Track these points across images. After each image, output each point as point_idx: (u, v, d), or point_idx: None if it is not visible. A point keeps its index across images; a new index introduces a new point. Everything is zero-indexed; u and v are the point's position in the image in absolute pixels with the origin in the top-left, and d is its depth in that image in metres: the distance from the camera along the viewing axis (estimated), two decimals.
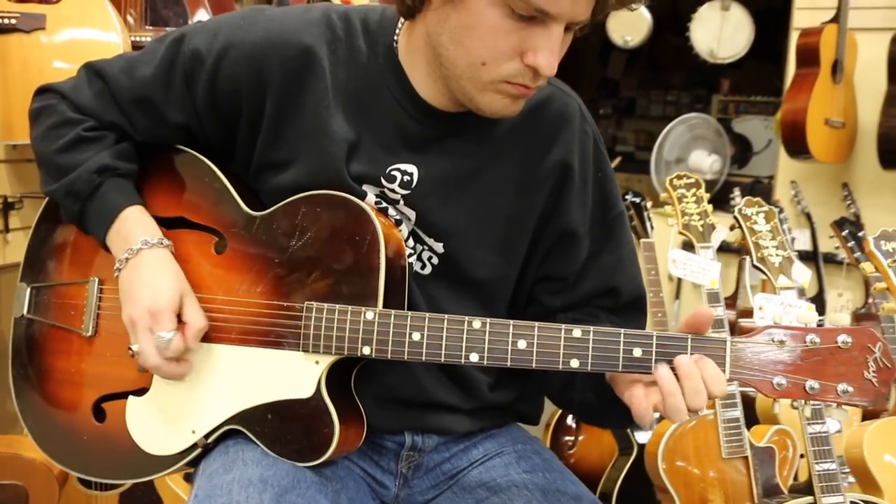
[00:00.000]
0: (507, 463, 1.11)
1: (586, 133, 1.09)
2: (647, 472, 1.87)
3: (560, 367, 0.89)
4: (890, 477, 1.88)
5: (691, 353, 0.87)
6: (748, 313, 2.95)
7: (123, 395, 1.03)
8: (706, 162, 4.04)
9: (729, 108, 5.44)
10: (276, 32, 1.01)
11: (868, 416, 2.43)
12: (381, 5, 1.08)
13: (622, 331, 0.89)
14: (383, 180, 1.02)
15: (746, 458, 1.78)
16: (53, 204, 1.13)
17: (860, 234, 2.14)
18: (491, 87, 0.93)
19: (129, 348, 0.97)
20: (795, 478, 1.92)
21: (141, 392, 1.02)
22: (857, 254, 2.09)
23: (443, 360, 0.92)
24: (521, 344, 0.90)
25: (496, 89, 0.93)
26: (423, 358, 0.92)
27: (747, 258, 1.62)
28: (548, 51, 0.89)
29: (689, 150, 4.01)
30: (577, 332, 0.89)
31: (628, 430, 2.23)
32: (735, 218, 1.64)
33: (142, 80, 1.03)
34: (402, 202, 1.03)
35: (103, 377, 1.05)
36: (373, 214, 0.96)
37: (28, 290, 1.13)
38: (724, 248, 3.03)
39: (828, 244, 3.24)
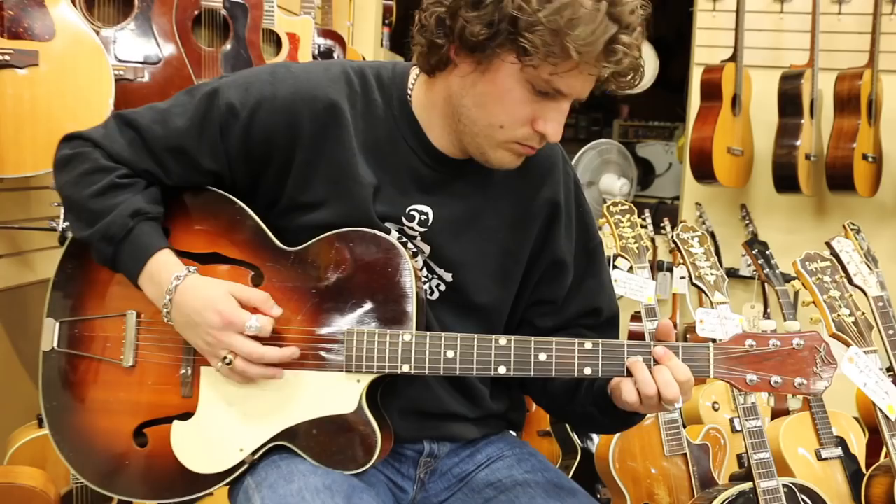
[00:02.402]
0: (509, 465, 1.25)
1: (568, 174, 1.27)
2: (599, 473, 2.05)
3: (576, 374, 1.05)
4: (803, 467, 2.15)
5: (682, 358, 1.05)
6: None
7: (167, 421, 1.10)
8: (616, 185, 4.35)
9: (629, 133, 5.83)
10: (304, 88, 1.11)
11: (776, 414, 2.74)
12: (390, 61, 1.22)
13: (625, 342, 1.05)
14: (404, 219, 1.15)
15: (685, 454, 2.00)
16: (76, 243, 1.19)
17: (768, 252, 2.43)
18: (504, 146, 1.09)
19: (225, 358, 1.03)
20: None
21: (185, 416, 1.10)
22: (767, 270, 2.37)
23: (475, 373, 1.06)
24: (542, 356, 1.05)
25: (507, 148, 1.09)
26: (458, 372, 1.06)
27: None
28: (556, 122, 1.06)
29: (599, 173, 4.30)
30: (588, 344, 1.05)
31: (572, 435, 2.41)
32: (674, 242, 1.86)
33: (177, 131, 1.11)
34: (419, 238, 1.16)
35: (144, 405, 1.12)
36: (402, 248, 1.09)
37: (57, 324, 1.17)
38: None
39: (729, 260, 3.60)
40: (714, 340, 1.63)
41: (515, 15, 0.97)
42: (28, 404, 2.05)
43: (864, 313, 1.42)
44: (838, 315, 1.40)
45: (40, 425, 1.75)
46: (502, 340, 1.05)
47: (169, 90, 1.83)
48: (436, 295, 1.19)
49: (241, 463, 1.08)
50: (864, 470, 2.27)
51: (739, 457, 2.37)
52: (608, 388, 1.12)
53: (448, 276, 1.19)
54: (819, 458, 2.17)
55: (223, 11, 2.13)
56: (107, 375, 1.14)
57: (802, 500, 1.65)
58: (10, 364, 2.02)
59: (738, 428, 2.36)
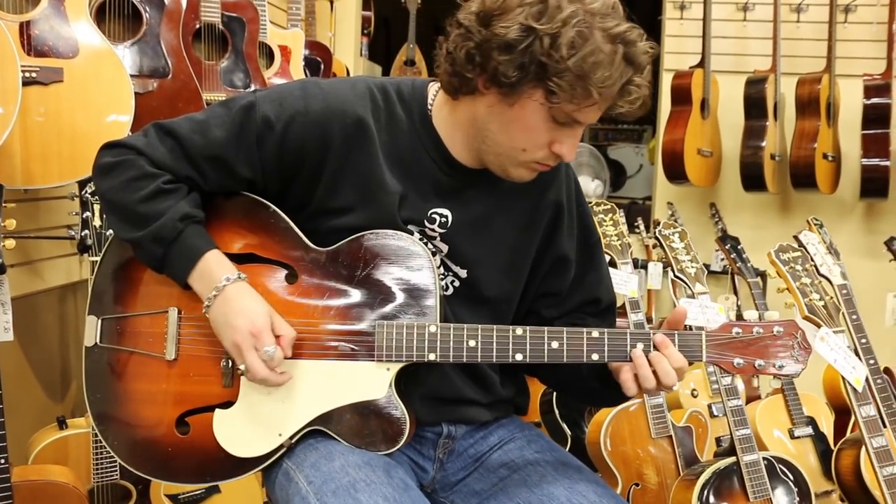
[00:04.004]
0: (520, 446, 1.36)
1: (570, 177, 1.39)
2: (591, 458, 2.17)
3: (584, 360, 1.16)
4: (779, 445, 2.30)
5: (678, 344, 1.17)
6: None
7: (208, 409, 1.19)
8: (590, 187, 4.50)
9: (599, 136, 6.00)
10: (334, 104, 1.21)
11: (749, 400, 2.90)
12: (409, 78, 1.33)
13: (628, 331, 1.18)
14: (426, 222, 1.26)
15: (671, 437, 2.14)
16: (116, 245, 1.27)
17: (739, 247, 2.58)
18: (523, 165, 1.21)
19: (238, 368, 1.14)
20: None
21: (227, 405, 1.19)
22: (739, 264, 2.53)
23: (494, 360, 1.17)
24: (555, 344, 1.16)
25: (527, 167, 1.21)
26: (479, 359, 1.17)
27: None
28: (570, 145, 1.18)
29: None
30: (595, 333, 1.17)
31: (562, 424, 2.54)
32: (656, 237, 2.00)
33: (216, 141, 1.20)
34: (438, 238, 1.27)
35: (186, 395, 1.21)
36: (424, 248, 1.20)
37: (99, 321, 1.26)
38: None
39: (701, 256, 3.76)
40: (689, 327, 1.79)
41: (544, 61, 1.08)
42: (41, 408, 2.11)
43: (832, 297, 1.56)
44: (810, 300, 1.54)
45: (60, 427, 1.82)
46: (518, 330, 1.17)
47: (177, 103, 1.92)
48: (450, 290, 1.30)
49: (280, 447, 1.18)
50: (832, 447, 2.44)
51: (718, 439, 2.52)
52: (609, 366, 1.24)
53: (463, 273, 1.30)
54: (792, 437, 2.33)
55: (221, 26, 2.22)
56: (149, 368, 1.22)
57: (781, 470, 1.79)
58: (21, 371, 2.07)
59: (716, 413, 2.52)
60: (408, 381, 1.23)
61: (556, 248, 1.35)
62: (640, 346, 1.16)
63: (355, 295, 1.19)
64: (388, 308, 1.19)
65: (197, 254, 1.17)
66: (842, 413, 2.68)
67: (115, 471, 1.79)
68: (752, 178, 3.33)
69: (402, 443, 1.17)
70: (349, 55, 3.91)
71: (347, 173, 1.22)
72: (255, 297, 1.17)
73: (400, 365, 1.17)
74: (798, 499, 1.80)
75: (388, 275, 1.19)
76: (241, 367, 1.14)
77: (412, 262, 1.19)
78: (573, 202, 1.37)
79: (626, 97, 1.12)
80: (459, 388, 1.31)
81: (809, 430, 2.35)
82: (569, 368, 1.31)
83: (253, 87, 2.29)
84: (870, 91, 3.25)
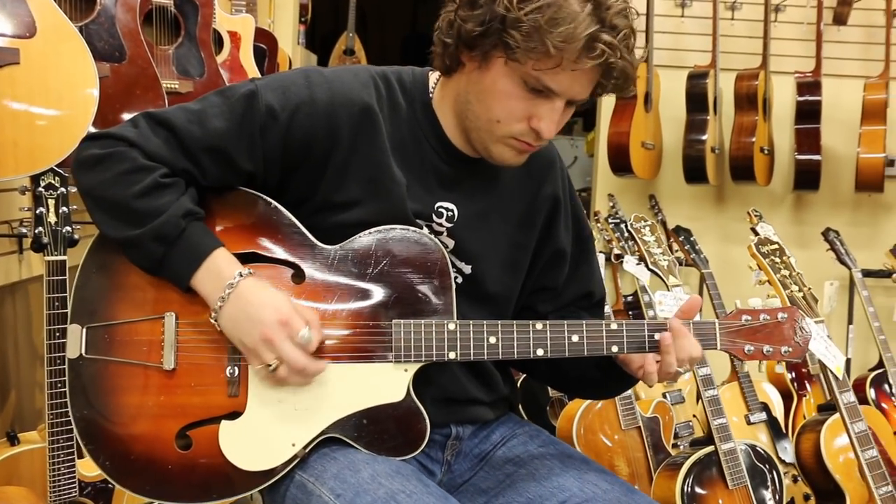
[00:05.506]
0: (523, 442, 1.34)
1: (563, 171, 1.38)
2: None
3: (605, 352, 1.15)
4: (737, 431, 2.37)
5: (693, 333, 1.17)
6: None
7: (213, 421, 1.11)
8: None
9: None
10: (340, 92, 1.16)
11: None
12: (409, 67, 1.28)
13: (645, 322, 1.17)
14: (434, 216, 1.21)
15: (639, 427, 2.17)
16: (101, 246, 1.17)
17: (692, 238, 2.65)
18: (502, 141, 1.16)
19: (268, 365, 1.06)
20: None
21: (233, 415, 1.11)
22: (693, 255, 2.59)
23: (516, 356, 1.14)
24: (575, 338, 1.15)
25: (505, 143, 1.17)
26: (500, 356, 1.14)
27: None
28: (549, 119, 1.13)
29: None
30: (613, 325, 1.16)
31: (523, 415, 2.54)
32: (628, 231, 2.02)
33: (215, 132, 1.12)
34: (445, 234, 1.23)
35: (187, 407, 1.12)
36: (439, 244, 1.16)
37: (83, 330, 1.15)
38: None
39: None
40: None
41: (503, 13, 1.06)
42: None
43: (810, 288, 1.61)
44: (790, 291, 1.59)
45: (12, 443, 1.67)
46: (538, 325, 1.14)
47: (134, 90, 1.79)
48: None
49: (293, 457, 1.11)
50: (784, 430, 2.54)
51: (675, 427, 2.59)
52: (619, 358, 1.22)
53: (467, 269, 1.26)
54: (748, 423, 2.41)
55: (173, 8, 2.09)
56: (144, 379, 1.13)
57: (754, 455, 1.85)
58: None
59: (671, 401, 2.58)
60: (419, 383, 1.19)
61: (553, 242, 1.34)
62: (656, 335, 1.16)
63: (368, 294, 1.14)
64: (404, 306, 1.14)
65: (204, 252, 1.09)
66: (784, 397, 2.81)
67: (74, 488, 1.67)
68: (695, 171, 3.43)
69: (422, 447, 1.12)
70: (288, 43, 3.78)
71: (355, 165, 1.16)
72: (270, 287, 1.10)
73: (419, 365, 1.13)
74: (771, 483, 1.86)
75: (402, 272, 1.15)
76: (273, 363, 1.06)
77: (426, 258, 1.15)
78: (567, 195, 1.37)
79: (591, 55, 1.04)
80: (467, 389, 1.28)
81: (763, 415, 2.44)
82: (571, 360, 1.29)
83: (206, 76, 2.17)
84: (802, 88, 3.40)
